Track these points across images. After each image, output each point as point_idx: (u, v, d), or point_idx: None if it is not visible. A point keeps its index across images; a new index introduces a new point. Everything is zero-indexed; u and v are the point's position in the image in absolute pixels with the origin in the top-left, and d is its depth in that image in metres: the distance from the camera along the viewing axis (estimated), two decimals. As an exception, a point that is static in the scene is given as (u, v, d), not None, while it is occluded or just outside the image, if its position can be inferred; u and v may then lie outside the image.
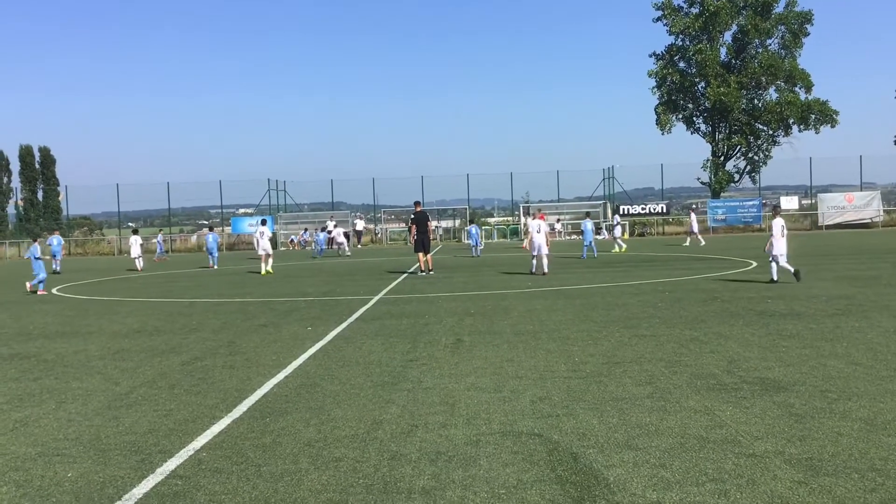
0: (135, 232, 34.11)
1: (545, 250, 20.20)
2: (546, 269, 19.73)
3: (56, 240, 29.95)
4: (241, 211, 59.33)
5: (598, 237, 37.84)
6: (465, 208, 56.17)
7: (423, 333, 10.69)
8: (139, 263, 30.47)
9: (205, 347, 10.20)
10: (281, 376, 8.05)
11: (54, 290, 21.17)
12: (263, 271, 24.92)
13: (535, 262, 20.48)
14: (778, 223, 16.70)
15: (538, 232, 20.53)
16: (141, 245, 31.31)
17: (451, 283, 18.97)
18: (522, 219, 52.70)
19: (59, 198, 56.75)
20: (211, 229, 38.32)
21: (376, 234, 55.00)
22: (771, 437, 5.33)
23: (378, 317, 12.77)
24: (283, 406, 6.76)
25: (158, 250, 42.14)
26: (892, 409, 5.94)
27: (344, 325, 11.87)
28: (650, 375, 7.44)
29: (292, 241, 51.72)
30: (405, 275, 22.31)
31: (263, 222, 28.76)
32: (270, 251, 26.05)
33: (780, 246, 16.26)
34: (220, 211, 57.87)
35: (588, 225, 29.00)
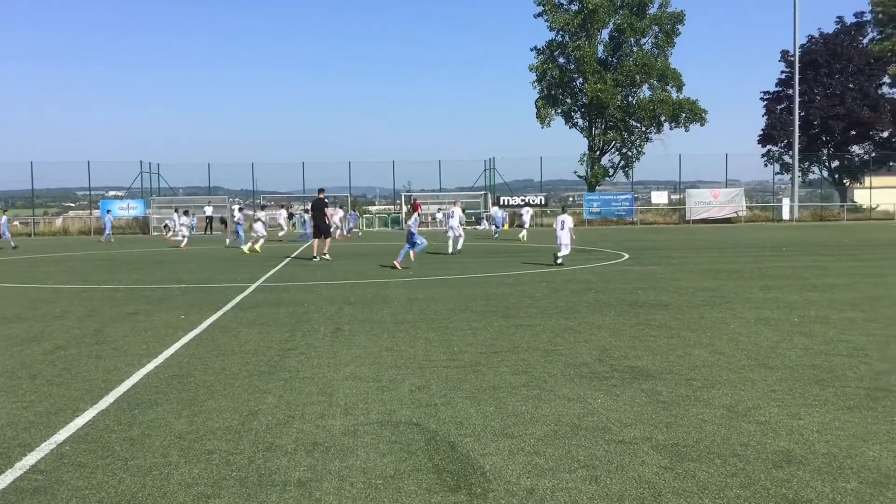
0: None
1: (459, 231, 24.65)
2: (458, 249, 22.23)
3: None
4: (112, 193, 56.85)
5: (478, 227, 38.39)
6: (347, 196, 55.73)
7: (302, 322, 10.53)
8: None
9: (70, 336, 9.71)
10: (151, 366, 7.76)
11: None
12: (248, 249, 27.07)
13: (450, 242, 23.69)
14: (559, 219, 20.14)
15: (451, 217, 25.30)
16: None
17: (331, 271, 18.78)
18: (404, 207, 52.80)
19: None
20: (187, 213, 37.84)
21: (254, 221, 53.79)
22: (639, 424, 5.52)
23: (255, 305, 12.50)
24: (152, 397, 6.51)
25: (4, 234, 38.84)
26: (752, 396, 6.26)
27: (220, 313, 11.56)
28: (526, 364, 7.58)
29: (166, 226, 49.91)
30: (285, 261, 21.93)
31: (263, 207, 29.83)
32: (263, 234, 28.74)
33: (562, 238, 19.58)
34: (87, 193, 55.26)
35: (498, 212, 31.38)
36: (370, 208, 61.17)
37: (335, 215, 38.08)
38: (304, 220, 36.67)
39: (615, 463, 4.72)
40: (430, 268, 19.28)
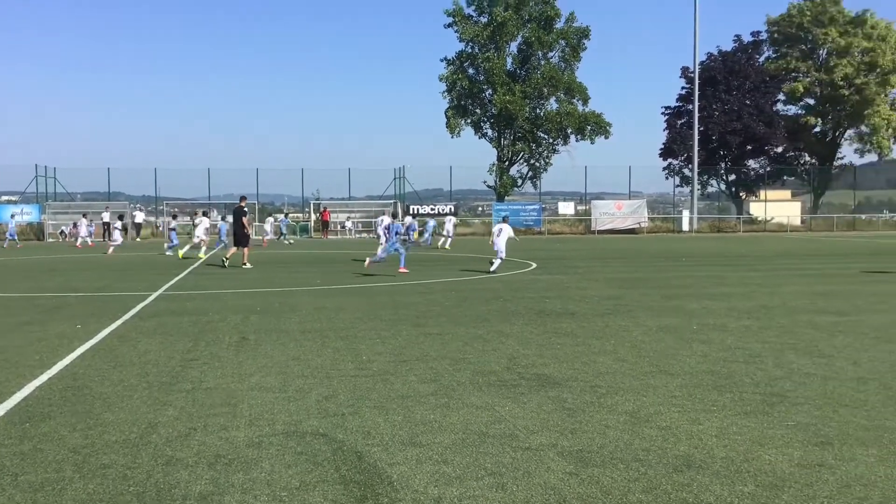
0: None
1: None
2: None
3: None
4: (4, 198, 54.34)
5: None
6: (255, 203, 54.77)
7: (206, 331, 10.27)
8: None
9: (-45, 347, 9.20)
10: (44, 378, 7.41)
11: None
12: (186, 252, 26.96)
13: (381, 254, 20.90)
14: (498, 227, 20.78)
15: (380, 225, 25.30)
16: None
17: (238, 280, 18.40)
18: (313, 216, 52.25)
19: None
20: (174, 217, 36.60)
21: (157, 228, 52.38)
22: (545, 431, 5.58)
23: (157, 314, 12.13)
24: (45, 410, 6.22)
25: None
26: (654, 402, 6.41)
27: (118, 322, 11.16)
28: (435, 373, 7.58)
29: (62, 232, 48.01)
30: (189, 270, 21.38)
31: (204, 213, 28.16)
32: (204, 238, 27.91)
33: (498, 244, 20.10)
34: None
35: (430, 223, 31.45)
36: (277, 216, 60.09)
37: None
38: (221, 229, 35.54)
39: (521, 470, 4.75)
40: (340, 276, 19.11)
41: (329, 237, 49.34)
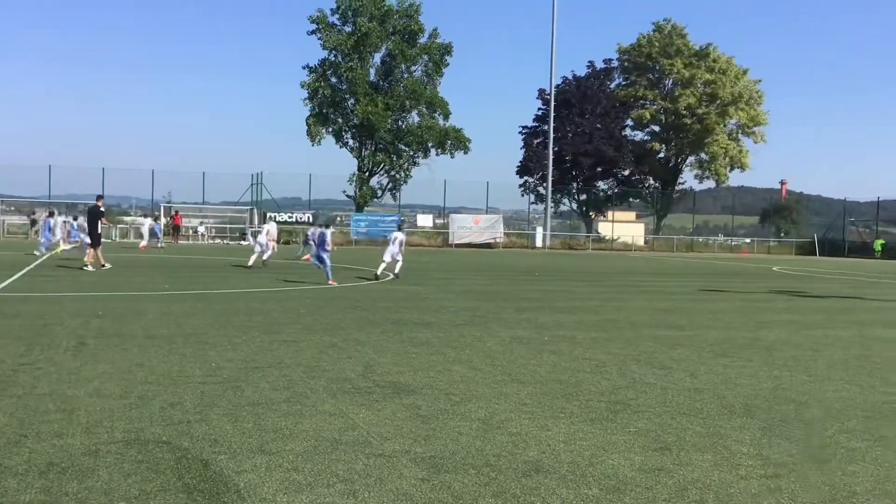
0: None
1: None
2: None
3: None
4: None
5: (243, 243, 37.36)
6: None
7: (41, 335, 9.64)
8: None
9: None
10: None
11: None
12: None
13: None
14: (393, 235, 21.61)
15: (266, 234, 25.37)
16: None
17: (78, 282, 17.43)
18: (163, 219, 50.24)
19: None
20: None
21: (-7, 226, 49.07)
22: (399, 438, 5.56)
23: (-14, 316, 11.29)
24: None
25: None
26: (506, 409, 6.52)
27: (-58, 324, 10.32)
28: (288, 380, 7.41)
29: None
30: (25, 270, 20.06)
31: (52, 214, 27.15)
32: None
33: (391, 252, 20.96)
34: None
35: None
36: (125, 218, 57.48)
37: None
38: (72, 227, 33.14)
39: (374, 476, 4.70)
40: (190, 282, 18.46)
41: (180, 242, 47.61)
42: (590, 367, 8.65)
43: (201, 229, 50.70)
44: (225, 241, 49.22)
